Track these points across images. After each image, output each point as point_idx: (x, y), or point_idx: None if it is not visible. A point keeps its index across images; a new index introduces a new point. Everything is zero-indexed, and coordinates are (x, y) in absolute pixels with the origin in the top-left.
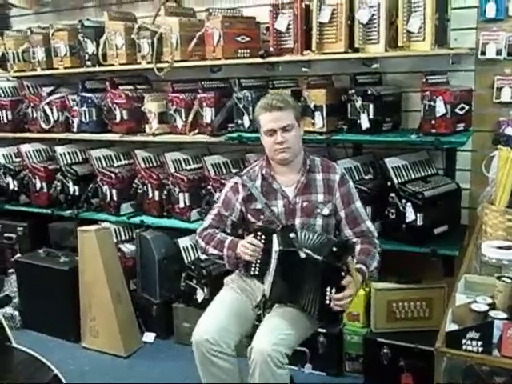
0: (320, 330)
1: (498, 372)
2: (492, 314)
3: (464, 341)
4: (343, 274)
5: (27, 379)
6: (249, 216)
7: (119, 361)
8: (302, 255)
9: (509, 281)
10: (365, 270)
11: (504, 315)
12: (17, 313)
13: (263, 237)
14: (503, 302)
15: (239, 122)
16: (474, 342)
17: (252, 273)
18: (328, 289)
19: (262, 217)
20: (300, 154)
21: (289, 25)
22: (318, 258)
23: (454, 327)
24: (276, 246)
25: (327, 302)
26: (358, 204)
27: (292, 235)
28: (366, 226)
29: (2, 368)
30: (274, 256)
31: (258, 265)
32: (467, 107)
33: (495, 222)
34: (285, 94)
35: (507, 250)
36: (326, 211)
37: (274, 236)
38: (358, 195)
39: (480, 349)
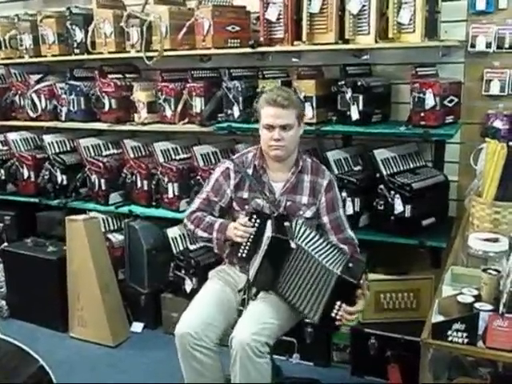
0: (307, 320)
1: (482, 363)
2: (477, 305)
3: (450, 332)
4: (357, 290)
5: (12, 370)
6: (234, 204)
7: (107, 350)
8: (293, 245)
9: (494, 273)
10: (368, 284)
11: (489, 307)
12: (4, 302)
13: (258, 220)
14: (489, 294)
15: (229, 112)
16: (460, 334)
17: (240, 255)
18: (338, 303)
19: (246, 207)
20: (294, 153)
21: (279, 15)
22: (335, 271)
23: (440, 319)
24: (269, 232)
25: (333, 314)
26: (342, 211)
27: (287, 224)
28: (348, 233)
29: None
30: (266, 241)
31: (246, 248)
32: (456, 99)
33: (482, 214)
34: (291, 91)
35: (493, 243)
36: (308, 214)
37: (269, 222)
38: (341, 202)
39: (465, 340)
